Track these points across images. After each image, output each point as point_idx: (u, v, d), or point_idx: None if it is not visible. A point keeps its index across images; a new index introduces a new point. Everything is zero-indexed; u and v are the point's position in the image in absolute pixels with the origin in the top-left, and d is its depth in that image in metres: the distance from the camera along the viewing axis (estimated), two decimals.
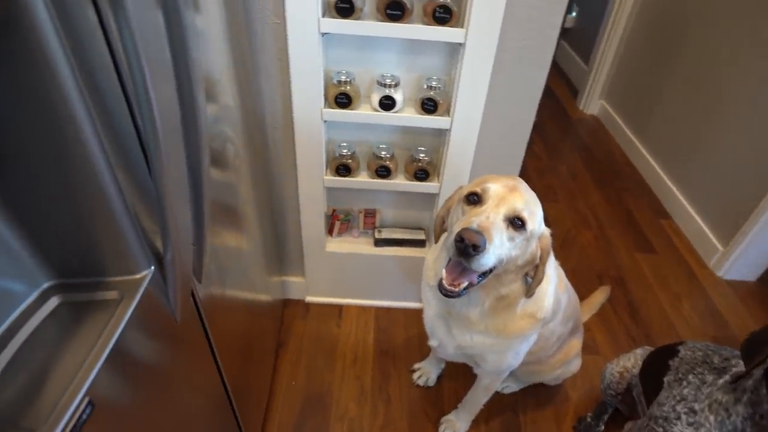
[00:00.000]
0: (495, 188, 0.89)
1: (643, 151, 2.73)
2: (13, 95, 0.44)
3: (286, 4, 1.09)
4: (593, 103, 3.28)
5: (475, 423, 1.47)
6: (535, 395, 1.58)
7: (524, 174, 1.42)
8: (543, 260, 0.93)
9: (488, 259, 0.82)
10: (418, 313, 1.77)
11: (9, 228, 0.53)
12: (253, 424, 1.30)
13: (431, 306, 1.12)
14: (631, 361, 1.31)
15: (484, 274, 0.89)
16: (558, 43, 3.81)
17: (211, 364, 0.94)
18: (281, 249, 1.68)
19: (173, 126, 0.57)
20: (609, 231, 2.31)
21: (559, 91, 3.57)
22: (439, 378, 1.59)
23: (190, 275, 0.73)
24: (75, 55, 0.45)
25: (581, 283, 1.71)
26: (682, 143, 2.42)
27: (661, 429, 0.96)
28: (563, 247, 2.19)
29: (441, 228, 1.03)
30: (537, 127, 3.20)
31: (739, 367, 0.97)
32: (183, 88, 0.61)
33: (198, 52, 0.66)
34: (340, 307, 1.81)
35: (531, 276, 0.96)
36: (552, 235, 0.95)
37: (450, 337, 1.10)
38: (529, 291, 0.96)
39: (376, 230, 1.65)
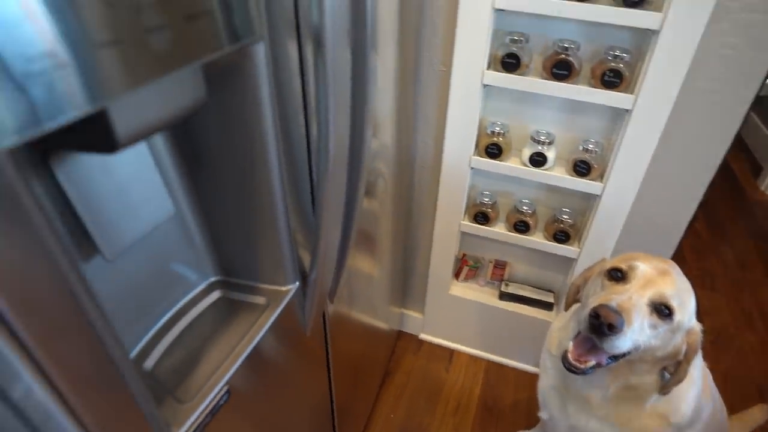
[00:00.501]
0: (643, 268, 0.83)
1: None
2: (224, 118, 0.54)
3: (455, 54, 1.15)
4: None
5: None
6: None
7: (679, 253, 1.29)
8: (688, 358, 0.83)
9: (623, 342, 0.76)
10: (531, 378, 1.68)
11: (196, 224, 0.64)
12: None
13: (548, 376, 1.06)
14: None
15: (615, 357, 0.82)
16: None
17: (325, 379, 1.00)
18: (406, 282, 1.72)
19: (342, 159, 0.63)
20: None
21: (737, 166, 3.17)
22: None
23: (326, 295, 0.79)
24: (278, 93, 0.54)
25: (734, 393, 1.48)
26: None
27: None
28: (716, 346, 1.91)
29: (574, 297, 0.98)
30: (703, 204, 2.88)
31: None
32: (356, 125, 0.67)
33: (374, 91, 0.73)
34: (451, 351, 1.79)
35: (670, 372, 0.86)
36: (703, 331, 0.85)
37: (564, 414, 1.03)
38: (665, 388, 0.86)
39: (503, 283, 1.61)
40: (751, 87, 1.05)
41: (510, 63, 1.14)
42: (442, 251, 1.53)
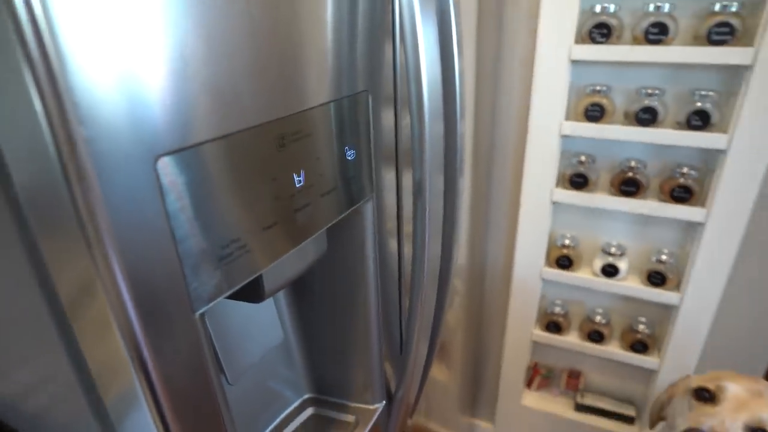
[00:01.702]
0: (734, 389, 0.80)
1: None
2: (334, 259, 0.62)
3: (525, 176, 1.22)
4: None
5: None
6: None
7: None
8: None
9: None
10: None
11: (298, 346, 0.70)
12: None
13: None
14: None
15: None
16: None
17: None
18: (477, 390, 1.69)
19: (433, 279, 0.68)
20: None
21: None
22: None
23: (410, 412, 0.82)
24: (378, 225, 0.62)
25: None
26: None
27: None
28: None
29: (659, 415, 0.94)
30: None
31: None
32: (445, 244, 0.73)
33: (462, 213, 0.80)
34: None
35: None
36: None
37: None
38: None
39: (578, 393, 1.55)
40: None
41: (578, 182, 1.20)
42: (514, 360, 1.51)
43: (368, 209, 0.56)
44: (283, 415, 0.71)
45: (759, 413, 0.76)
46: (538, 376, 1.59)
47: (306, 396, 0.74)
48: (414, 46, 0.47)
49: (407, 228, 0.70)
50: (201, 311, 0.35)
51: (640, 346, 1.32)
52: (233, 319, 0.56)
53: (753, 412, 0.76)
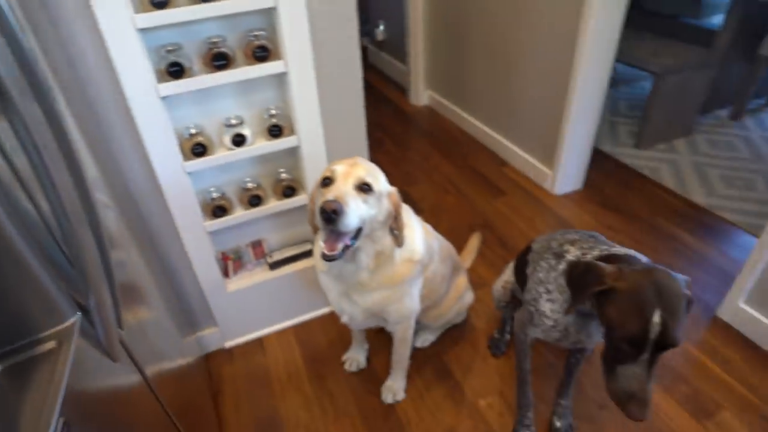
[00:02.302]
0: (340, 168, 1.10)
1: (471, 119, 3.21)
2: None
3: (121, 75, 1.19)
4: (421, 95, 3.72)
5: (411, 378, 1.68)
6: (451, 337, 1.84)
7: (382, 168, 1.67)
8: (398, 212, 1.16)
9: (350, 219, 1.02)
10: (330, 317, 1.94)
11: None
12: None
13: (331, 289, 1.30)
14: (507, 273, 1.61)
15: (356, 237, 1.09)
16: (380, 55, 4.21)
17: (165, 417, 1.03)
18: (187, 307, 1.74)
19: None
20: (465, 190, 2.69)
21: (392, 95, 3.97)
22: (368, 359, 1.77)
23: (114, 320, 0.83)
24: None
25: (458, 238, 2.01)
26: (495, 101, 2.91)
27: (532, 308, 1.23)
28: (434, 214, 2.50)
29: (313, 219, 1.21)
30: (383, 129, 3.55)
31: (570, 251, 1.19)
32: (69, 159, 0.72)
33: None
34: (260, 340, 1.90)
35: (394, 228, 1.18)
36: (399, 191, 1.19)
37: (355, 306, 1.29)
38: (397, 239, 1.19)
39: (267, 257, 1.78)
40: (349, 27, 1.41)
41: (175, 71, 1.26)
42: (202, 259, 1.59)
43: None
44: None
45: (358, 174, 1.09)
46: (229, 261, 1.74)
47: None
48: None
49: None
50: None
51: (290, 191, 1.59)
52: None
53: (355, 175, 1.08)
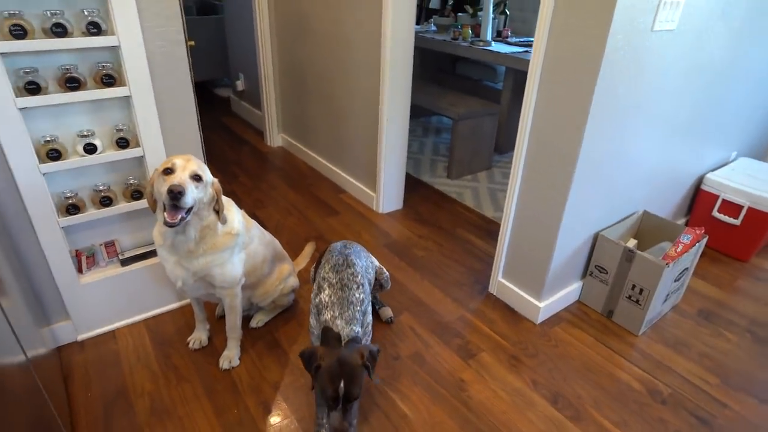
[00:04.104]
0: (179, 162, 1.50)
1: (315, 155, 3.78)
2: None
3: None
4: (275, 138, 4.24)
5: (245, 351, 2.03)
6: (282, 318, 2.23)
7: (236, 198, 2.09)
8: (219, 195, 1.59)
9: (188, 198, 1.43)
10: (180, 310, 2.24)
11: None
12: None
13: (167, 259, 1.66)
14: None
15: (188, 212, 1.49)
16: (240, 103, 4.71)
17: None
18: (40, 300, 1.93)
19: None
20: (306, 212, 3.18)
21: (251, 138, 4.42)
22: (210, 338, 2.09)
23: None
24: None
25: (297, 248, 2.46)
26: (331, 138, 3.52)
27: (317, 289, 1.70)
28: (277, 231, 2.93)
29: (153, 199, 1.59)
30: (239, 165, 4.00)
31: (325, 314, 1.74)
32: None
33: None
34: (113, 332, 2.12)
35: (216, 209, 1.61)
36: (220, 181, 1.62)
37: (186, 272, 1.66)
38: (219, 216, 1.61)
39: (119, 255, 2.06)
40: (176, 33, 1.86)
41: (32, 88, 1.58)
42: (56, 254, 1.82)
43: None
44: None
45: (193, 167, 1.50)
46: (83, 257, 1.99)
47: None
48: None
49: None
50: None
51: (138, 194, 1.93)
52: None
53: (190, 167, 1.50)
